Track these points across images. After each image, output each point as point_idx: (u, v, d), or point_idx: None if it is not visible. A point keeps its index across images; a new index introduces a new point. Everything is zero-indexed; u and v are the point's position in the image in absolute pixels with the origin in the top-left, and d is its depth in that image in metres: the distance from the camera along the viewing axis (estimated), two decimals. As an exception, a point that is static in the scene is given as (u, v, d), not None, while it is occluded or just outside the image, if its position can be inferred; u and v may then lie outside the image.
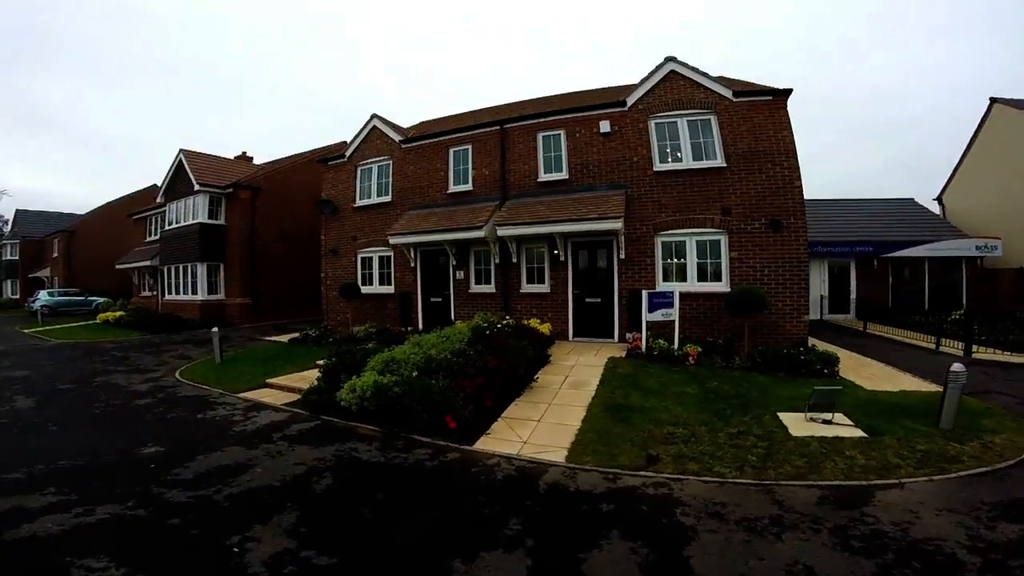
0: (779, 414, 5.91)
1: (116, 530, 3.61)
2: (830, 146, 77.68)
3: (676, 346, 8.97)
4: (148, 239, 25.10)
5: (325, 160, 15.89)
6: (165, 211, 21.69)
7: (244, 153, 26.11)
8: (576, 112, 11.85)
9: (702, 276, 10.41)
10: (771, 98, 10.15)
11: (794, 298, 9.65)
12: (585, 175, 11.60)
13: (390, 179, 14.38)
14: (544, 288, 11.80)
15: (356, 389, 6.15)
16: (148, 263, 22.86)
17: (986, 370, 8.61)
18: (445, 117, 17.16)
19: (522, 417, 6.18)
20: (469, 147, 13.16)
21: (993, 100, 19.91)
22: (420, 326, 13.16)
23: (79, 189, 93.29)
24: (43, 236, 34.03)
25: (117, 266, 25.97)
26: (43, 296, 25.62)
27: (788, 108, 10.09)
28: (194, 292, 19.66)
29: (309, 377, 7.99)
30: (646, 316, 9.14)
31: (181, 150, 20.15)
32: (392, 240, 12.76)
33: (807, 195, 9.97)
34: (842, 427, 5.46)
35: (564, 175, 11.82)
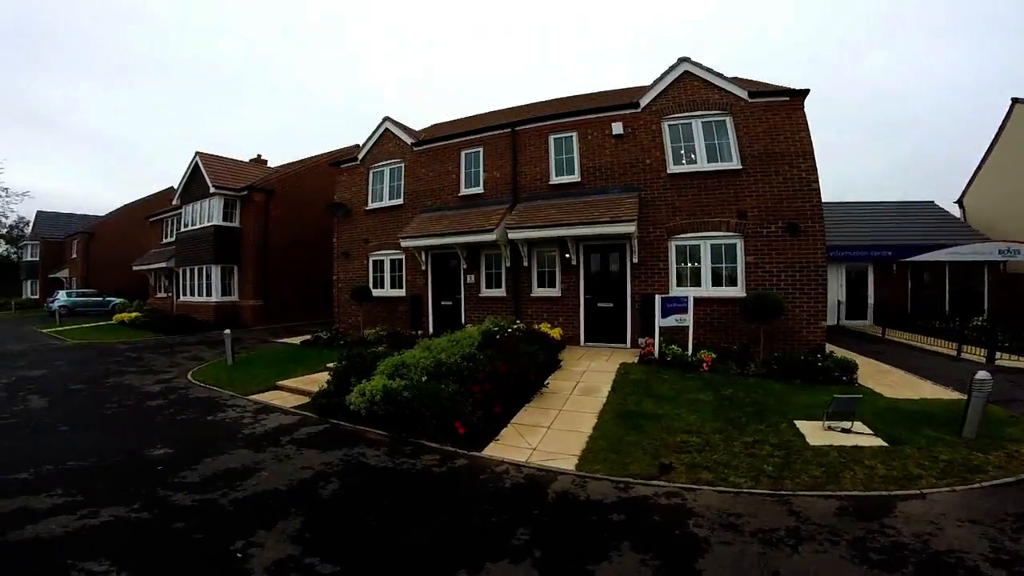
0: (796, 422, 5.75)
1: (120, 533, 3.60)
2: (830, 146, 76.98)
3: (690, 352, 8.81)
4: (164, 241, 25.55)
5: (337, 163, 16.02)
6: (181, 213, 22.03)
7: (259, 156, 26.41)
8: (588, 114, 11.76)
9: (717, 281, 10.24)
10: (788, 99, 9.99)
11: (811, 304, 9.46)
12: (597, 178, 11.49)
13: (402, 182, 14.43)
14: (555, 292, 11.70)
15: (365, 393, 6.12)
16: (164, 264, 23.20)
17: (1010, 377, 8.32)
18: (455, 120, 17.19)
19: (532, 423, 6.08)
20: (480, 150, 13.15)
21: (1015, 100, 19.38)
22: (430, 330, 13.14)
23: (79, 188, 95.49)
24: (63, 237, 34.79)
25: (134, 267, 26.44)
26: (62, 296, 26.13)
27: (805, 109, 9.91)
28: (208, 294, 19.89)
29: (319, 380, 7.97)
30: (659, 321, 8.99)
31: (197, 153, 20.41)
32: (403, 243, 12.77)
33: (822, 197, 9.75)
34: (861, 436, 5.29)
35: (576, 178, 11.72)
